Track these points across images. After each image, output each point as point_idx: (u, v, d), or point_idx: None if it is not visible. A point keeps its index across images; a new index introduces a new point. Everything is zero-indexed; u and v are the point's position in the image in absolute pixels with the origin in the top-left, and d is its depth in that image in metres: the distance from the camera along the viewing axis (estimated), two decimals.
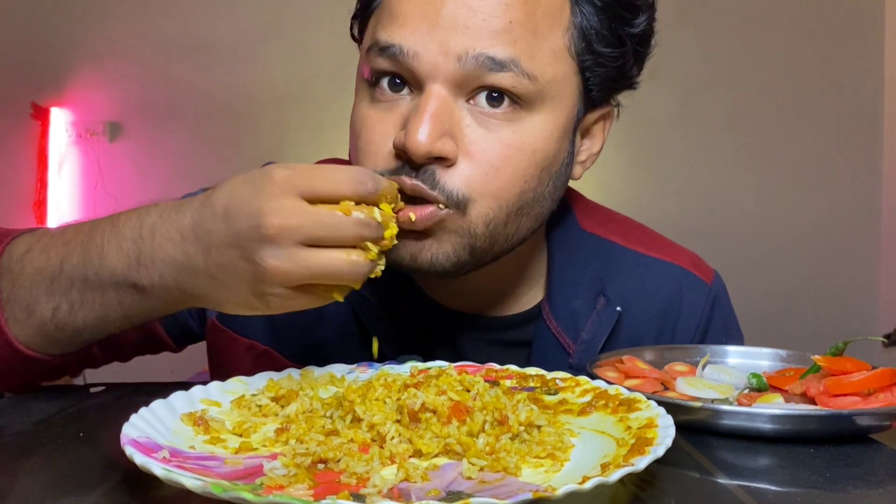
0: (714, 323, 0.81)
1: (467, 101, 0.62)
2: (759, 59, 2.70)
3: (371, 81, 0.65)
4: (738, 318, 0.87)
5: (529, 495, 0.37)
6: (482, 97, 0.62)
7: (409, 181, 0.61)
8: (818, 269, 2.69)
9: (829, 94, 2.70)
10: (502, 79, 0.61)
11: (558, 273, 0.76)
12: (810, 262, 2.69)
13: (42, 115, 2.82)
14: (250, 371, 0.62)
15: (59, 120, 2.84)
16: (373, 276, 0.54)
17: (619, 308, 0.76)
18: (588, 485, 0.38)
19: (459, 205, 0.62)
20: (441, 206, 0.62)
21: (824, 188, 2.70)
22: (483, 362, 0.67)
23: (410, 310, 0.78)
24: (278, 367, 0.63)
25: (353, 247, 0.52)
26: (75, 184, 2.88)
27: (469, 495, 0.38)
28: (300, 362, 0.75)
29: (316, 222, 0.50)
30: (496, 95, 0.62)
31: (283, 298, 0.52)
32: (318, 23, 2.72)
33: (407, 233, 0.62)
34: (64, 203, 2.88)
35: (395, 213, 0.57)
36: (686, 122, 2.71)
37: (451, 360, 0.68)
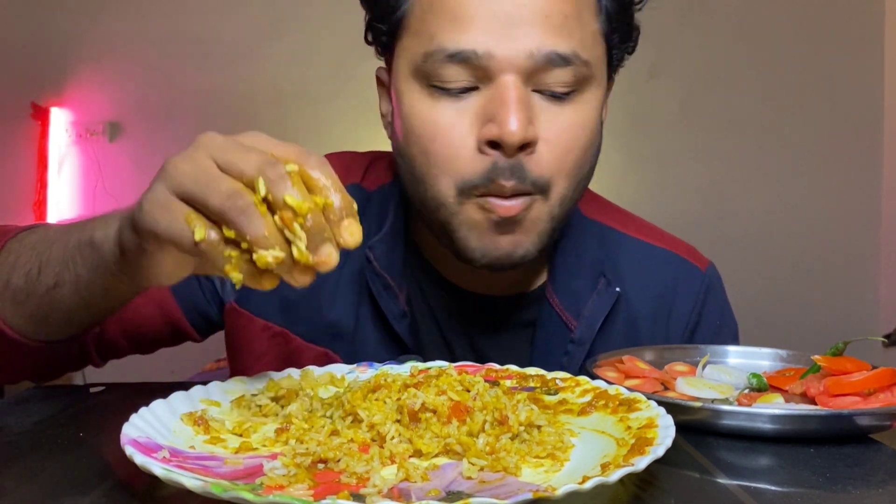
0: (708, 308, 0.84)
1: (534, 90, 0.66)
2: (759, 59, 2.70)
3: (436, 84, 0.66)
4: (736, 314, 0.88)
5: (529, 495, 0.37)
6: (549, 85, 0.66)
7: (509, 184, 0.65)
8: (818, 269, 2.69)
9: (829, 94, 2.70)
10: (566, 72, 0.65)
11: (561, 255, 0.79)
12: (810, 263, 2.69)
13: (42, 115, 2.82)
14: (266, 352, 0.62)
15: (59, 120, 2.84)
16: (231, 278, 0.47)
17: (618, 289, 0.78)
18: (588, 485, 0.38)
19: (543, 189, 0.67)
20: (530, 193, 0.66)
21: (824, 188, 2.70)
22: (491, 339, 0.70)
23: (425, 290, 0.80)
24: (293, 348, 0.63)
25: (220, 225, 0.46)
26: (75, 184, 2.88)
27: (469, 495, 0.38)
28: (314, 342, 0.77)
29: (190, 175, 0.46)
30: (561, 85, 0.66)
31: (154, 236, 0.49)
32: (318, 23, 2.72)
33: (500, 228, 0.67)
34: (64, 203, 2.88)
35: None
36: (686, 122, 2.71)
37: (462, 339, 0.74)
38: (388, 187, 0.82)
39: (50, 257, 0.62)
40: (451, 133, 0.66)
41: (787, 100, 2.70)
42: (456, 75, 0.65)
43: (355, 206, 0.48)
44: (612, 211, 0.87)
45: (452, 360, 0.70)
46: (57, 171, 2.86)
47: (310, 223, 0.45)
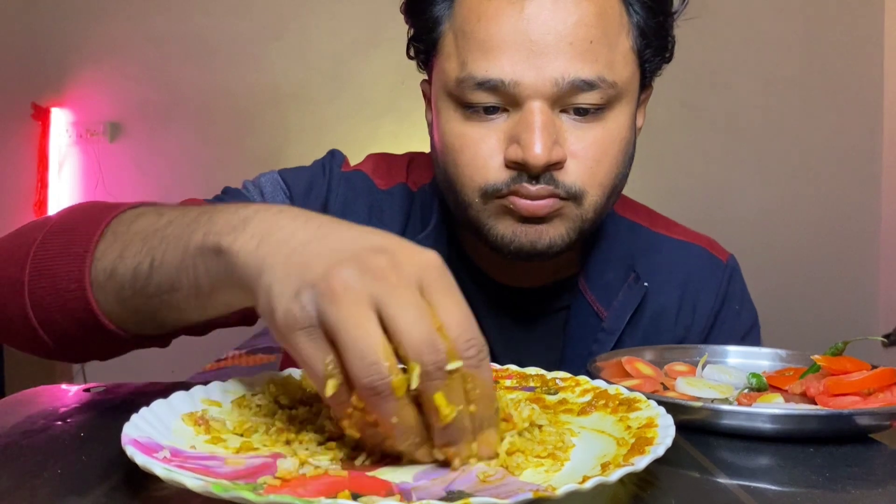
0: (730, 295, 0.89)
1: (561, 111, 0.70)
2: (759, 59, 2.70)
3: (467, 105, 0.70)
4: None
5: (529, 495, 0.37)
6: (576, 105, 0.69)
7: (533, 187, 0.69)
8: (818, 269, 2.69)
9: (829, 94, 2.70)
10: (592, 94, 0.69)
11: (594, 249, 0.84)
12: (810, 262, 2.69)
13: (42, 116, 2.82)
14: None
15: (60, 120, 2.84)
16: (347, 433, 0.44)
17: (646, 284, 0.84)
18: (588, 484, 0.38)
19: (576, 197, 0.71)
20: (560, 197, 0.70)
21: (824, 188, 2.70)
22: (526, 328, 0.79)
23: (466, 284, 0.83)
24: None
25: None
26: (75, 184, 2.88)
27: (469, 494, 0.38)
28: None
29: (343, 311, 0.41)
30: (588, 105, 0.69)
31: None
32: (318, 23, 2.72)
33: (527, 221, 0.71)
34: (64, 203, 2.88)
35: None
36: (686, 122, 2.71)
37: (497, 329, 0.80)
38: (428, 187, 0.87)
39: (164, 258, 0.54)
40: (480, 147, 0.71)
41: (787, 99, 2.70)
42: (485, 99, 0.69)
43: (499, 415, 0.46)
44: (641, 209, 0.93)
45: (489, 350, 0.66)
46: (57, 172, 2.87)
47: (451, 425, 0.42)
